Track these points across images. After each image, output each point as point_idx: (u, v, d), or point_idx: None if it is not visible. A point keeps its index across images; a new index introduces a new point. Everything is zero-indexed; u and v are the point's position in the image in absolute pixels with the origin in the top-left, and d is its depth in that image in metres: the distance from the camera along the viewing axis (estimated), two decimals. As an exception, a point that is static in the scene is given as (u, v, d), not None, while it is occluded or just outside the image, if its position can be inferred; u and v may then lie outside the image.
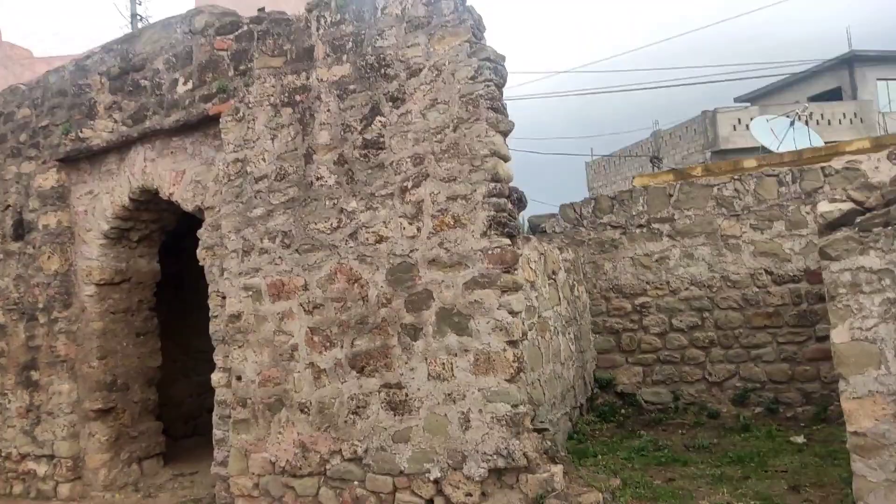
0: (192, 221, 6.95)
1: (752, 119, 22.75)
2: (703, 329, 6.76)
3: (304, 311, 4.88)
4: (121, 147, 6.01)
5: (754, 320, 6.56)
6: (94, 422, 6.16)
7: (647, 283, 6.98)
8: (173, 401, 7.80)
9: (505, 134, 4.38)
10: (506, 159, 4.39)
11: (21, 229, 6.51)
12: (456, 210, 4.34)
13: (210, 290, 5.54)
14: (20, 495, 6.35)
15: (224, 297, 5.40)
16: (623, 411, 6.79)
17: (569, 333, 6.50)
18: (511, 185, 4.38)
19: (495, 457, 4.09)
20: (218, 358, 5.44)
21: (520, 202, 4.40)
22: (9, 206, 6.58)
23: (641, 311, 7.01)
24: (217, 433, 5.38)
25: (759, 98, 26.18)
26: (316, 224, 4.87)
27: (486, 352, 4.16)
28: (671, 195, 6.95)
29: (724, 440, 5.77)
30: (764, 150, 14.40)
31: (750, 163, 9.66)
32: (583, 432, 6.24)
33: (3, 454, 6.52)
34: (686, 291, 6.82)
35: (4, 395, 6.54)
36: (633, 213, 7.08)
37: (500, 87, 4.39)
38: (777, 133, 15.12)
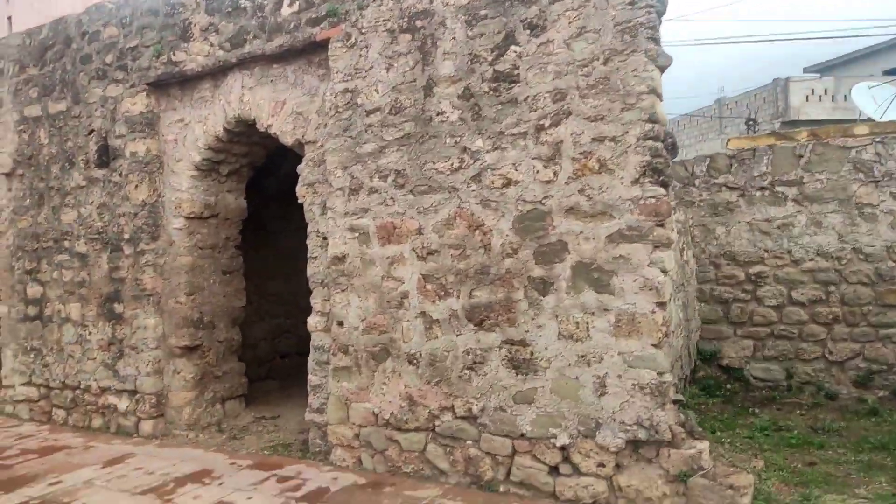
0: (270, 161, 6.72)
1: (825, 90, 21.64)
2: (826, 304, 6.29)
3: (417, 256, 4.60)
4: (216, 73, 5.75)
5: (887, 297, 6.07)
6: (179, 359, 6.07)
7: (765, 250, 6.52)
8: (248, 343, 7.71)
9: (662, 69, 3.95)
10: (661, 98, 3.97)
11: (106, 156, 6.35)
12: (602, 153, 3.95)
13: (309, 229, 5.30)
14: (99, 429, 6.34)
15: (325, 238, 5.16)
16: (729, 386, 6.43)
17: (678, 300, 6.12)
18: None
19: (635, 427, 3.79)
20: (316, 301, 5.23)
21: (673, 148, 3.98)
22: (93, 130, 6.41)
23: (756, 281, 6.56)
24: (313, 379, 5.21)
25: (831, 69, 24.80)
26: (434, 163, 4.55)
27: (630, 312, 3.82)
28: (801, 156, 6.42)
29: (851, 424, 5.38)
30: (864, 119, 13.52)
31: (862, 129, 8.98)
32: (688, 406, 5.90)
33: (82, 386, 6.51)
34: (810, 262, 6.34)
35: (85, 326, 6.49)
36: (755, 175, 6.57)
37: (660, 15, 3.94)
38: (879, 101, 14.22)
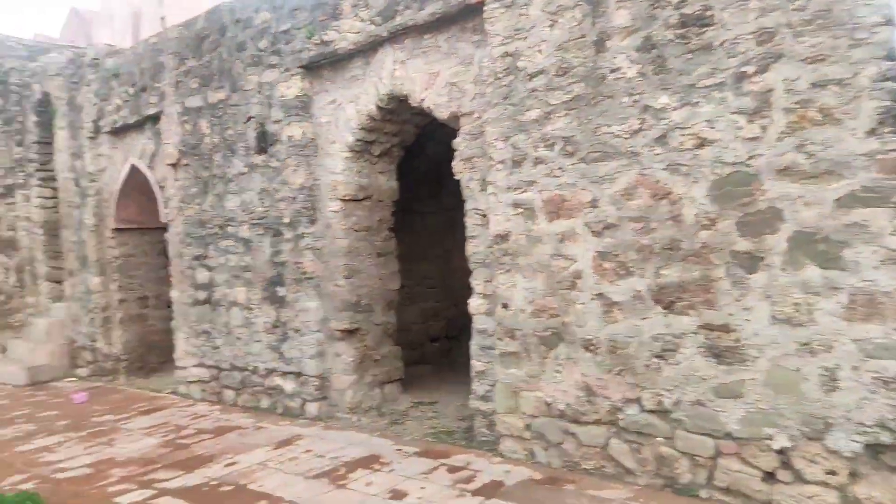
0: (416, 142, 6.48)
1: None
2: None
3: (591, 232, 4.15)
4: (367, 50, 5.56)
5: None
6: (339, 342, 6.03)
7: None
8: (400, 327, 7.62)
9: (903, -6, 3.21)
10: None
11: (264, 141, 6.40)
12: (826, 100, 3.29)
13: (467, 207, 4.99)
14: (267, 410, 6.48)
15: (485, 215, 4.83)
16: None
17: None
18: (907, 65, 3.23)
19: (877, 429, 3.15)
20: (477, 283, 4.93)
21: (917, 90, 3.24)
22: (251, 117, 6.48)
23: None
24: (477, 364, 4.93)
25: None
26: (609, 127, 4.06)
27: (868, 291, 3.17)
28: None
29: None
30: None
31: None
32: None
33: (249, 368, 6.68)
34: None
35: (250, 309, 6.64)
36: None
37: (901, -75, 3.20)
38: None
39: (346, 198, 5.95)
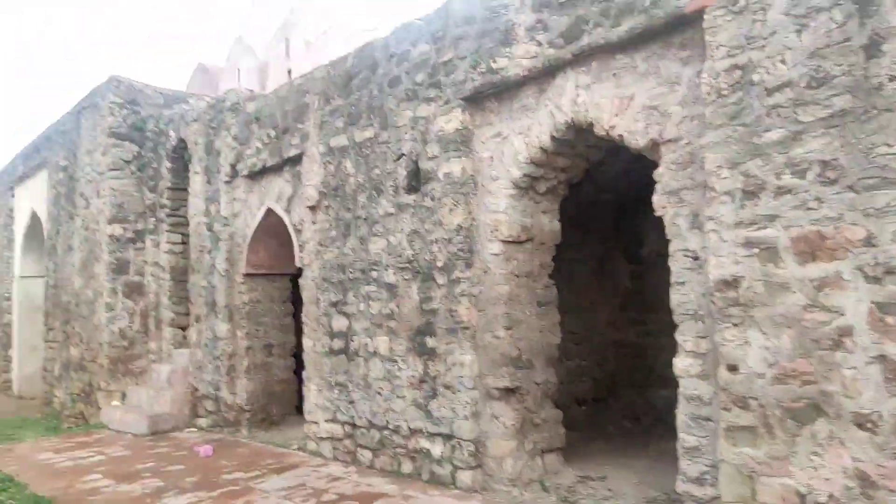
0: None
1: None
2: None
3: (865, 277, 3.26)
4: (542, 76, 4.97)
5: None
6: (497, 402, 5.27)
7: None
8: (547, 385, 6.82)
9: None
10: None
11: (416, 180, 5.88)
12: None
13: (673, 248, 4.20)
14: (410, 475, 5.73)
15: (697, 258, 4.03)
16: None
17: None
18: None
19: None
20: (686, 339, 4.08)
21: None
22: (402, 154, 5.99)
23: None
24: (688, 439, 4.03)
25: None
26: (890, 147, 3.22)
27: None
28: None
29: None
30: None
31: None
32: None
33: (390, 427, 5.99)
34: None
35: (394, 361, 6.00)
36: None
37: None
38: None
39: (509, 239, 5.28)
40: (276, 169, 7.73)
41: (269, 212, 7.89)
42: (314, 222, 7.05)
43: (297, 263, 7.38)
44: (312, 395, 6.93)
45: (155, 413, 8.71)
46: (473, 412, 5.31)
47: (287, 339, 8.57)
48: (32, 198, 13.61)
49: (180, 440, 8.05)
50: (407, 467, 5.79)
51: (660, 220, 4.30)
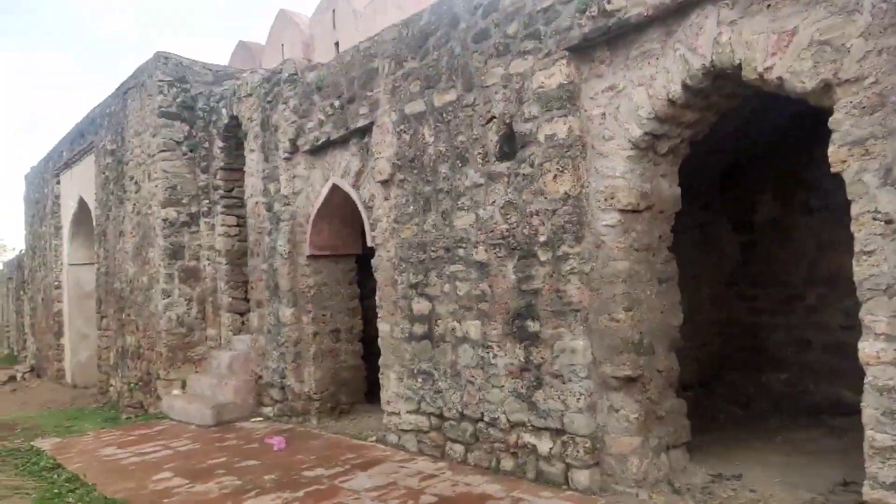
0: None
1: None
2: None
3: None
4: (670, 15, 4.23)
5: None
6: (616, 392, 4.60)
7: None
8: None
9: None
10: None
11: (510, 145, 5.19)
12: None
13: (857, 210, 3.44)
14: (512, 473, 5.11)
15: (890, 221, 3.29)
16: None
17: None
18: None
19: None
20: (876, 318, 3.35)
21: None
22: (493, 117, 5.30)
23: None
24: (879, 438, 3.32)
25: None
26: None
27: None
28: None
29: None
30: None
31: None
32: None
33: (485, 419, 5.37)
34: None
35: (488, 347, 5.36)
36: None
37: None
38: None
39: (627, 208, 4.57)
40: (342, 142, 7.09)
41: (335, 189, 7.27)
42: (387, 198, 6.41)
43: (369, 243, 6.77)
44: (392, 383, 6.34)
45: (219, 402, 8.24)
46: (588, 404, 4.65)
47: (354, 323, 8.00)
48: (79, 184, 13.25)
49: (248, 431, 7.56)
50: (507, 464, 5.17)
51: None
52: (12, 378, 15.36)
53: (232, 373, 8.83)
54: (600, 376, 4.65)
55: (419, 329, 6.02)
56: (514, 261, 5.13)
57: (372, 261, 6.68)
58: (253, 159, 8.50)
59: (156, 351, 9.54)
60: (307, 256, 7.70)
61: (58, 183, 14.49)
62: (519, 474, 5.06)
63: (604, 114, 4.66)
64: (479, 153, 5.40)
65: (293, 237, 7.79)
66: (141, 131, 10.05)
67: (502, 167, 5.22)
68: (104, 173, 11.56)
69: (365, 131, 6.74)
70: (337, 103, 7.01)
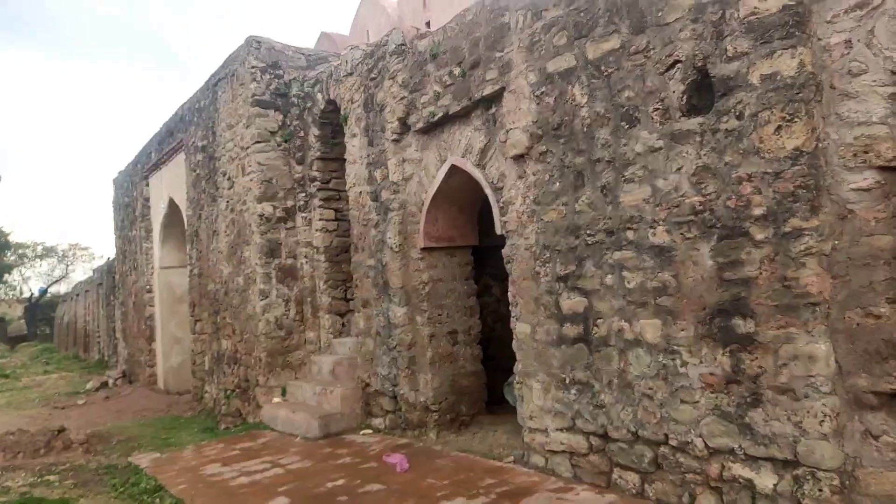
0: None
1: None
2: None
3: None
4: None
5: None
6: (874, 412, 3.40)
7: None
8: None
9: None
10: None
11: (702, 94, 4.07)
12: None
13: None
14: (713, 511, 3.98)
15: None
16: None
17: None
18: None
19: None
20: None
21: None
22: (676, 62, 4.18)
23: None
24: None
25: None
26: None
27: None
28: None
29: None
30: None
31: None
32: None
33: (671, 442, 4.25)
34: None
35: (672, 353, 4.24)
36: None
37: None
38: None
39: (890, 164, 3.38)
40: (462, 116, 6.12)
41: (453, 170, 6.31)
42: (522, 176, 5.39)
43: (499, 230, 5.76)
44: (535, 395, 5.30)
45: (325, 413, 7.42)
46: (834, 428, 3.47)
47: (472, 323, 7.01)
48: (169, 184, 12.87)
49: (360, 446, 6.68)
50: (706, 502, 4.04)
51: None
52: (104, 384, 15.21)
53: (335, 379, 8.02)
54: (850, 391, 3.46)
55: (571, 330, 4.96)
56: (712, 242, 3.99)
57: (503, 250, 5.67)
58: (355, 145, 7.65)
59: (254, 356, 8.85)
60: (420, 249, 6.77)
61: (147, 185, 14.23)
62: (726, 515, 3.92)
63: (849, 41, 3.47)
64: (656, 110, 4.30)
65: (404, 228, 6.88)
66: (233, 123, 9.41)
67: (692, 124, 4.09)
68: (195, 171, 11.05)
69: (492, 101, 5.74)
70: (457, 70, 6.04)
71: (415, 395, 6.78)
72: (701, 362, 4.07)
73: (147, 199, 14.23)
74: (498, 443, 6.17)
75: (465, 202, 6.75)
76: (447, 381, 6.76)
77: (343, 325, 8.70)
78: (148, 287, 14.21)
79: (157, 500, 5.44)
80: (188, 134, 11.37)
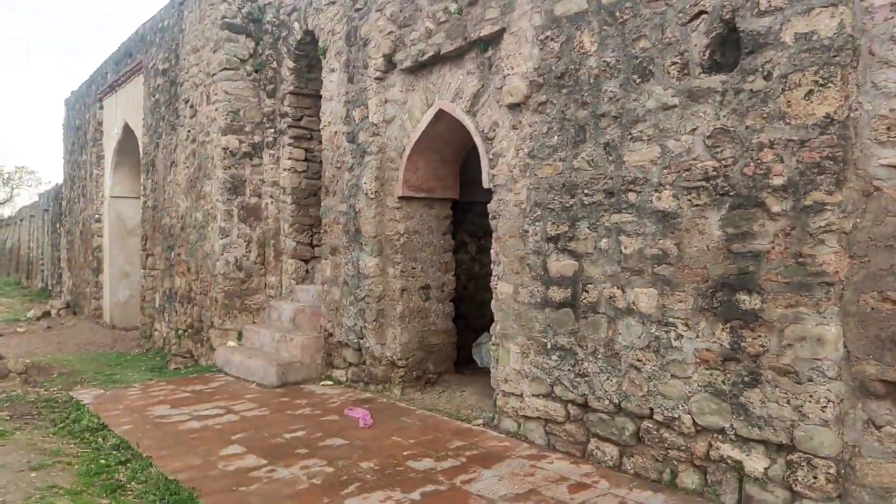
0: None
1: None
2: None
3: None
4: None
5: None
6: (880, 401, 3.23)
7: None
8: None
9: None
10: None
11: (727, 51, 3.74)
12: None
13: None
14: (697, 491, 3.82)
15: None
16: None
17: None
18: None
19: None
20: None
21: None
22: (701, 13, 3.83)
23: None
24: None
25: None
26: None
27: None
28: None
29: None
30: None
31: None
32: None
33: (657, 416, 4.06)
34: None
35: (668, 325, 4.01)
36: None
37: None
38: None
39: (929, 141, 3.14)
40: (455, 57, 5.67)
41: (440, 115, 5.89)
42: (517, 126, 5.02)
43: (486, 183, 5.40)
44: (512, 358, 5.05)
45: (284, 360, 7.07)
46: (836, 415, 3.30)
47: (446, 279, 6.70)
48: (125, 108, 12.02)
49: (320, 397, 6.37)
50: (689, 479, 3.88)
51: None
52: (47, 314, 14.48)
53: (296, 327, 7.65)
54: (856, 377, 3.29)
55: (557, 294, 4.69)
56: (723, 210, 3.73)
57: (489, 205, 5.33)
58: (332, 80, 7.12)
59: (209, 296, 8.38)
60: (398, 198, 6.37)
61: (101, 108, 13.29)
62: (709, 495, 3.76)
63: (894, 4, 3.18)
64: (674, 63, 3.96)
65: (381, 174, 6.46)
66: (199, 47, 8.70)
67: (713, 81, 3.77)
68: (154, 96, 10.27)
69: (489, 42, 5.31)
70: (453, 7, 5.56)
71: (381, 349, 6.47)
72: (698, 336, 3.85)
73: (100, 123, 13.31)
74: (466, 404, 5.95)
75: (450, 152, 6.35)
76: (416, 338, 6.47)
77: (307, 271, 8.29)
78: (97, 216, 13.42)
79: (100, 439, 5.04)
80: (149, 55, 10.54)
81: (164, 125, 9.88)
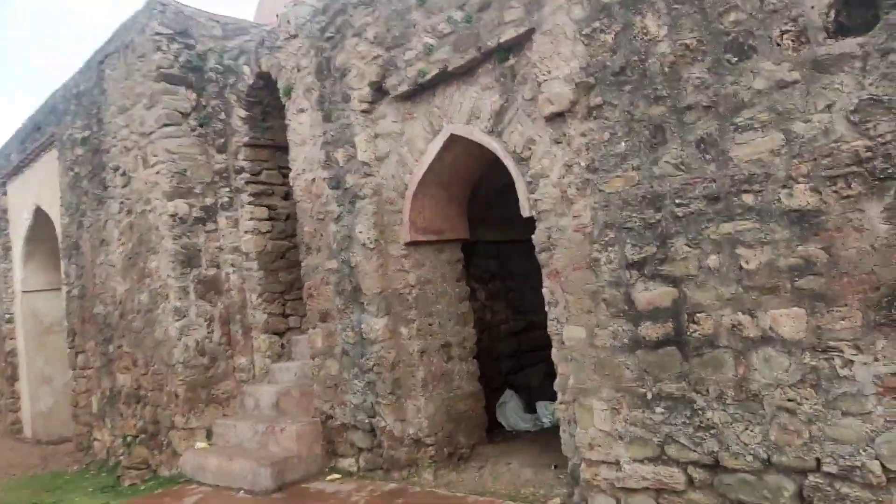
0: None
1: None
2: None
3: None
4: None
5: None
6: None
7: None
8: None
9: None
10: None
11: (855, 10, 2.99)
12: None
13: None
14: (908, 558, 2.85)
15: None
16: None
17: None
18: None
19: None
20: None
21: None
22: (816, -29, 3.09)
23: None
24: None
25: None
26: None
27: None
28: None
29: None
30: None
31: None
32: None
33: (822, 465, 3.09)
34: None
35: (826, 351, 3.08)
36: None
37: None
38: None
39: None
40: (464, 73, 4.73)
41: (453, 142, 4.90)
42: (561, 139, 4.10)
43: (525, 212, 4.42)
44: (597, 417, 3.98)
45: (276, 457, 5.63)
46: None
47: (466, 333, 5.59)
48: (35, 190, 10.26)
49: (335, 497, 5.00)
50: (895, 545, 2.91)
51: None
52: (-47, 437, 11.95)
53: (281, 414, 6.25)
54: None
55: (652, 331, 3.70)
56: (887, 199, 2.90)
57: (533, 237, 4.34)
58: (303, 122, 6.00)
59: (166, 391, 6.81)
60: (404, 244, 5.27)
61: (4, 194, 11.39)
62: (935, 564, 2.80)
63: None
64: (786, 33, 3.18)
65: (380, 219, 5.35)
66: (129, 106, 7.35)
67: (848, 45, 3.00)
68: (73, 170, 8.70)
69: (510, 50, 4.42)
70: (458, 15, 4.66)
71: (401, 427, 5.22)
72: (876, 360, 2.95)
73: (5, 211, 11.38)
74: (521, 480, 4.78)
75: (457, 186, 5.36)
76: (442, 407, 5.28)
77: (283, 346, 6.93)
78: (7, 316, 11.32)
79: None
80: (62, 126, 9.00)
81: (87, 200, 8.32)
